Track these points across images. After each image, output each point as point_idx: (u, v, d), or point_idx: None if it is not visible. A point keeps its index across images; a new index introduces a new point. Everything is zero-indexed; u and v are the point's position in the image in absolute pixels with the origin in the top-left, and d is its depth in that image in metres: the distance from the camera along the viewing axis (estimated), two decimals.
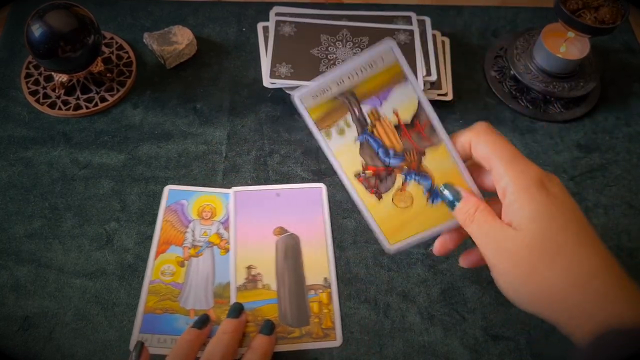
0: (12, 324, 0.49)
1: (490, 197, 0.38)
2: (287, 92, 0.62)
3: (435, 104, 0.62)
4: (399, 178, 0.39)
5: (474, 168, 0.39)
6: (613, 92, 0.66)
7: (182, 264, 0.52)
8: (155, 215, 0.55)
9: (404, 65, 0.36)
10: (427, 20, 0.66)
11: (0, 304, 0.49)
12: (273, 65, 0.61)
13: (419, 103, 0.37)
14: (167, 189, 0.56)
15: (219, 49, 0.67)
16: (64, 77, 0.60)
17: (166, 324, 0.49)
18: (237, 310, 0.48)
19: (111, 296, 0.50)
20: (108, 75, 0.62)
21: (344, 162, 0.39)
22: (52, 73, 0.61)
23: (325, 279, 0.52)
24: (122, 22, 0.68)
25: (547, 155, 0.61)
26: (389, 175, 0.39)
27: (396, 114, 0.37)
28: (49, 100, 0.61)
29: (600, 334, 0.32)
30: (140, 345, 0.44)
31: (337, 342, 0.49)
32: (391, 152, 0.38)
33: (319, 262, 0.53)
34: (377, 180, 0.39)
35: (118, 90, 0.62)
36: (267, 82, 0.60)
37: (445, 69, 0.64)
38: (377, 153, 0.38)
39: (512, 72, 0.65)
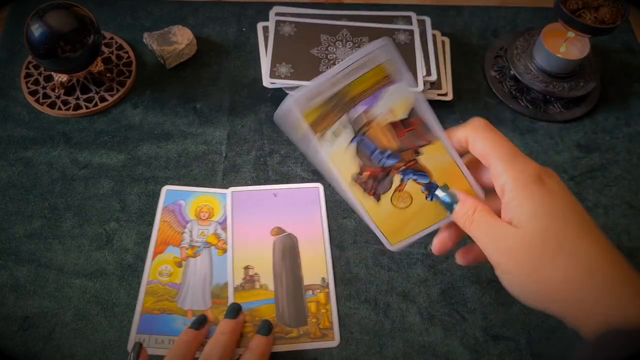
0: (12, 324, 0.49)
1: (487, 191, 0.38)
2: (287, 92, 0.62)
3: (435, 104, 0.62)
4: (397, 178, 0.39)
5: (471, 164, 0.39)
6: (613, 92, 0.66)
7: (179, 265, 0.52)
8: (155, 216, 0.55)
9: (398, 63, 0.36)
10: (427, 20, 0.66)
11: (0, 304, 0.49)
12: (273, 65, 0.61)
13: (414, 101, 0.37)
14: (165, 189, 0.56)
15: (219, 49, 0.67)
16: (63, 77, 0.60)
17: (164, 324, 0.49)
18: (235, 311, 0.48)
19: (111, 296, 0.50)
20: (108, 75, 0.62)
21: (341, 166, 0.38)
22: (52, 73, 0.61)
23: (323, 279, 0.52)
24: (122, 22, 0.68)
25: (547, 155, 0.61)
26: (386, 176, 0.39)
27: (391, 113, 0.37)
28: (49, 100, 0.61)
29: (601, 334, 0.32)
30: (139, 346, 0.44)
31: (335, 342, 0.49)
32: (387, 152, 0.38)
33: (317, 262, 0.53)
34: (375, 182, 0.39)
35: (118, 90, 0.62)
36: (267, 82, 0.60)
37: (445, 69, 0.64)
38: (373, 154, 0.38)
39: (512, 72, 0.65)
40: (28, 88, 0.61)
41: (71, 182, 0.56)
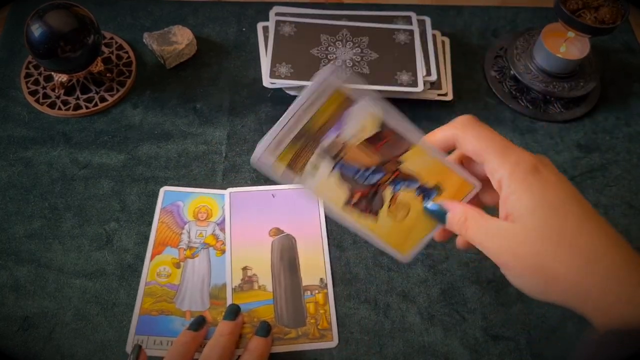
0: (12, 324, 0.49)
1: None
2: (287, 92, 0.62)
3: (435, 104, 0.62)
4: (387, 191, 0.39)
5: (460, 161, 0.39)
6: (613, 92, 0.66)
7: (177, 266, 0.52)
8: (154, 216, 0.55)
9: (348, 89, 0.36)
10: (427, 20, 0.66)
11: (0, 304, 0.49)
12: (273, 65, 0.61)
13: (382, 113, 0.37)
14: (163, 190, 0.56)
15: (219, 49, 0.67)
16: (63, 77, 0.60)
17: (162, 325, 0.49)
18: (234, 312, 0.48)
19: (111, 296, 0.50)
20: (108, 75, 0.62)
21: (330, 195, 0.38)
22: (52, 73, 0.61)
23: (322, 279, 0.52)
24: (122, 22, 0.68)
25: (547, 155, 0.60)
26: (376, 193, 0.39)
27: (362, 131, 0.37)
28: (49, 100, 0.61)
29: (602, 334, 0.32)
30: (138, 348, 0.44)
31: (334, 342, 0.49)
32: (370, 169, 0.38)
33: (315, 263, 0.53)
34: (367, 201, 0.39)
35: (118, 90, 0.62)
36: (267, 82, 0.60)
37: (445, 69, 0.64)
38: (357, 175, 0.38)
39: (512, 72, 0.65)
40: (28, 88, 0.61)
41: (71, 182, 0.56)
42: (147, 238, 0.53)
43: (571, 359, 0.34)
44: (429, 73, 0.61)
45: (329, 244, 0.54)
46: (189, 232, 0.54)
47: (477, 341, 0.49)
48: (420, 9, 0.67)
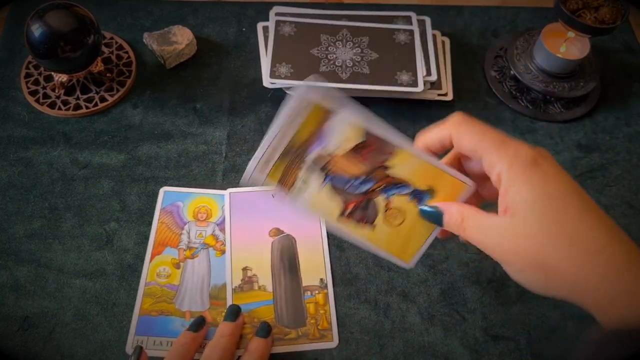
0: (12, 324, 0.49)
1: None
2: (287, 92, 0.62)
3: (435, 104, 0.62)
4: (380, 199, 0.39)
5: (457, 159, 0.38)
6: (613, 92, 0.66)
7: (177, 266, 0.52)
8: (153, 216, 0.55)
9: (326, 102, 0.36)
10: (427, 20, 0.66)
11: (0, 304, 0.49)
12: (273, 65, 0.61)
13: (364, 122, 0.37)
14: (163, 190, 0.56)
15: (219, 49, 0.67)
16: (63, 77, 0.60)
17: (162, 326, 0.49)
18: (234, 313, 0.48)
19: (111, 296, 0.50)
20: (108, 75, 0.62)
21: (324, 209, 0.38)
22: (52, 73, 0.61)
23: (322, 279, 0.52)
24: (122, 22, 0.68)
25: None
26: (369, 202, 0.38)
27: (346, 141, 0.37)
28: (49, 100, 0.61)
29: (604, 334, 0.31)
30: (139, 349, 0.44)
31: (334, 343, 0.49)
32: (359, 179, 0.38)
33: (315, 263, 0.53)
34: (362, 211, 0.39)
35: (118, 90, 0.62)
36: (267, 82, 0.60)
37: (445, 69, 0.64)
38: (347, 186, 0.38)
39: (512, 72, 0.65)
40: (28, 88, 0.61)
41: (71, 182, 0.56)
42: (147, 238, 0.53)
43: (571, 359, 0.34)
44: (429, 73, 0.61)
45: (329, 244, 0.54)
46: (188, 233, 0.54)
47: (477, 341, 0.49)
48: (420, 9, 0.67)
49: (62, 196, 0.55)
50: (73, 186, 0.56)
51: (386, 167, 0.38)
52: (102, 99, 0.61)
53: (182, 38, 0.64)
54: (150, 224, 0.54)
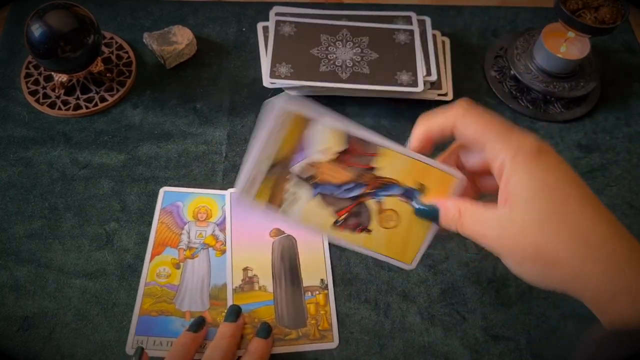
0: (12, 324, 0.49)
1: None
2: (287, 92, 0.62)
3: (435, 104, 0.62)
4: (372, 203, 0.38)
5: (451, 155, 0.38)
6: (613, 92, 0.66)
7: (177, 266, 0.52)
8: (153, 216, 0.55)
9: (303, 110, 0.36)
10: (427, 20, 0.66)
11: (0, 304, 0.49)
12: (273, 65, 0.61)
13: (343, 128, 0.36)
14: (163, 190, 0.56)
15: (219, 49, 0.67)
16: (63, 77, 0.60)
17: (162, 326, 0.49)
18: (235, 313, 0.48)
19: (111, 296, 0.50)
20: (108, 75, 0.62)
21: (317, 221, 0.38)
22: (52, 73, 0.61)
23: (322, 280, 0.52)
24: (122, 22, 0.68)
25: None
26: (361, 207, 0.38)
27: (329, 149, 0.37)
28: (49, 100, 0.61)
29: (605, 334, 0.31)
30: (140, 350, 0.44)
31: (334, 343, 0.49)
32: (347, 186, 0.38)
33: (316, 264, 0.53)
34: (355, 218, 0.38)
35: (118, 90, 0.62)
36: (267, 82, 0.60)
37: (445, 69, 0.64)
38: (337, 194, 0.38)
39: (512, 72, 0.65)
40: (28, 88, 0.61)
41: (71, 182, 0.56)
42: (147, 238, 0.53)
43: (571, 359, 0.34)
44: (429, 73, 0.61)
45: (329, 244, 0.54)
46: (188, 233, 0.54)
47: (477, 341, 0.49)
48: (420, 9, 0.67)
49: (62, 196, 0.55)
50: (73, 186, 0.56)
51: (373, 169, 0.37)
52: (102, 99, 0.61)
53: (182, 38, 0.64)
54: (150, 224, 0.54)
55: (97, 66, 0.61)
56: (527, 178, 0.33)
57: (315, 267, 0.52)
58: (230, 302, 0.50)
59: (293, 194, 0.37)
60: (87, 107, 0.61)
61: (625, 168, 0.60)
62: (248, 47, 0.67)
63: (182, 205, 0.55)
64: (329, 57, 0.62)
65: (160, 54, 0.63)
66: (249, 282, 0.51)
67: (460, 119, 0.35)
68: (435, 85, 0.62)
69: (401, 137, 0.40)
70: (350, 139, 0.37)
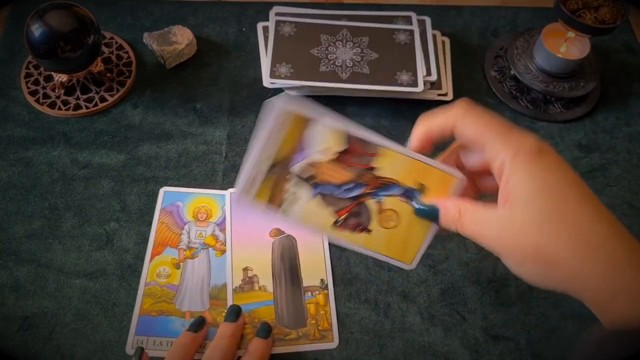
0: (12, 324, 0.49)
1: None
2: (287, 92, 0.62)
3: (435, 104, 0.62)
4: (372, 203, 0.38)
5: (456, 153, 0.38)
6: (613, 92, 0.66)
7: (177, 266, 0.52)
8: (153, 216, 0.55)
9: (303, 110, 0.36)
10: (427, 20, 0.66)
11: (0, 304, 0.49)
12: (273, 65, 0.61)
13: (343, 128, 0.36)
14: (163, 190, 0.56)
15: (219, 49, 0.67)
16: (63, 77, 0.60)
17: (162, 326, 0.49)
18: (235, 313, 0.48)
19: (111, 296, 0.50)
20: (108, 75, 0.62)
21: (317, 221, 0.38)
22: (52, 73, 0.61)
23: (322, 280, 0.52)
24: (122, 22, 0.68)
25: None
26: (361, 207, 0.38)
27: (325, 152, 0.37)
28: (49, 100, 0.61)
29: (605, 334, 0.31)
30: (141, 350, 0.44)
31: (334, 343, 0.49)
32: (346, 186, 0.38)
33: (316, 264, 0.53)
34: (355, 218, 0.38)
35: (118, 90, 0.62)
36: (267, 82, 0.60)
37: (445, 69, 0.64)
38: (337, 194, 0.38)
39: (512, 72, 0.65)
40: (28, 88, 0.61)
41: (71, 182, 0.56)
42: (147, 238, 0.53)
43: (571, 359, 0.34)
44: (429, 73, 0.61)
45: (329, 244, 0.54)
46: (188, 233, 0.54)
47: (477, 341, 0.49)
48: (420, 9, 0.67)
49: (62, 196, 0.55)
50: (73, 186, 0.56)
51: (373, 169, 0.37)
52: (102, 99, 0.61)
53: (182, 38, 0.64)
54: (150, 224, 0.54)
55: (97, 66, 0.61)
56: (527, 178, 0.32)
57: (316, 267, 0.52)
58: (230, 302, 0.50)
59: (293, 194, 0.37)
60: (87, 107, 0.61)
61: (625, 168, 0.60)
62: (248, 47, 0.67)
63: (182, 205, 0.55)
64: (329, 57, 0.62)
65: (160, 54, 0.63)
66: (249, 282, 0.51)
67: (460, 118, 0.35)
68: (435, 85, 0.62)
69: (401, 137, 0.40)
70: (350, 139, 0.37)
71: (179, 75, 0.64)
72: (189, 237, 0.54)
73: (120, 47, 0.65)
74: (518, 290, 0.52)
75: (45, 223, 0.54)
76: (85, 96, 0.61)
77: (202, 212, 0.55)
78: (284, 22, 0.64)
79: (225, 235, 0.54)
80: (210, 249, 0.53)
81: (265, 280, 0.51)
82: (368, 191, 0.38)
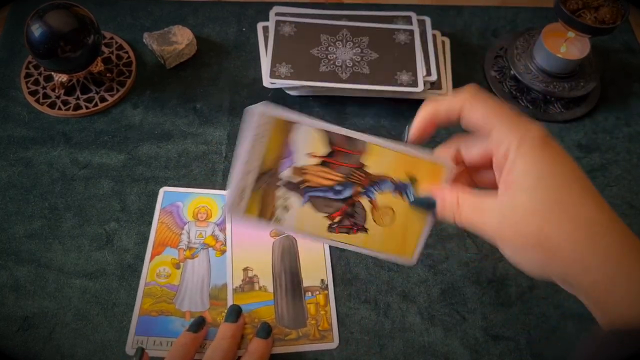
0: (12, 324, 0.49)
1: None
2: (287, 92, 0.62)
3: None
4: (365, 201, 0.38)
5: (451, 146, 0.38)
6: (613, 92, 0.66)
7: (177, 266, 0.52)
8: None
9: (284, 115, 0.35)
10: (427, 20, 0.66)
11: (0, 304, 0.49)
12: (273, 65, 0.61)
13: (324, 130, 0.36)
14: (162, 190, 0.56)
15: (219, 49, 0.67)
16: (63, 77, 0.60)
17: (162, 326, 0.49)
18: (235, 313, 0.48)
19: (111, 296, 0.50)
20: (108, 75, 0.62)
21: (311, 228, 0.38)
22: (52, 73, 0.61)
23: (322, 280, 0.52)
24: (122, 22, 0.68)
25: None
26: (354, 207, 0.38)
27: (312, 155, 0.36)
28: (49, 100, 0.61)
29: (604, 333, 0.31)
30: (141, 351, 0.44)
31: (334, 344, 0.49)
32: (337, 187, 0.37)
33: (316, 264, 0.53)
34: (350, 219, 0.38)
35: (118, 90, 0.62)
36: (267, 82, 0.60)
37: (445, 69, 0.64)
38: (328, 197, 0.37)
39: (512, 72, 0.65)
40: (28, 88, 0.61)
41: (71, 182, 0.56)
42: (147, 238, 0.53)
43: (571, 359, 0.34)
44: (429, 73, 0.61)
45: (329, 245, 0.54)
46: (188, 233, 0.54)
47: (477, 341, 0.49)
48: (420, 9, 0.67)
49: (62, 196, 0.55)
50: (73, 186, 0.56)
51: (362, 166, 0.37)
52: (102, 99, 0.61)
53: (182, 38, 0.64)
54: (150, 224, 0.54)
55: (97, 66, 0.61)
56: (532, 165, 0.32)
57: (316, 267, 0.52)
58: (230, 302, 0.50)
59: (285, 202, 0.37)
60: (87, 107, 0.61)
61: (625, 168, 0.60)
62: (248, 47, 0.67)
63: (182, 205, 0.55)
64: (329, 57, 0.62)
65: (160, 54, 0.63)
66: (249, 282, 0.51)
67: (468, 102, 0.35)
68: (435, 85, 0.62)
69: (401, 137, 0.40)
70: (335, 139, 0.36)
71: (179, 75, 0.64)
72: (188, 237, 0.54)
73: (120, 47, 0.65)
74: (518, 290, 0.52)
75: (45, 223, 0.54)
76: (85, 96, 0.61)
77: (202, 212, 0.55)
78: (284, 22, 0.64)
79: (225, 235, 0.54)
80: (210, 249, 0.53)
81: (266, 280, 0.51)
82: (360, 190, 0.38)
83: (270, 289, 0.51)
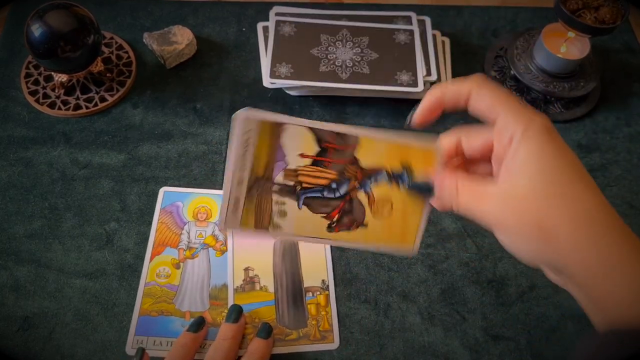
0: (12, 324, 0.49)
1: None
2: (287, 92, 0.62)
3: None
4: (361, 195, 0.38)
5: (451, 139, 0.38)
6: (613, 92, 0.66)
7: (177, 266, 0.52)
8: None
9: (270, 117, 0.35)
10: (427, 20, 0.66)
11: (0, 304, 0.49)
12: (273, 65, 0.61)
13: (312, 129, 0.36)
14: (162, 190, 0.56)
15: (219, 49, 0.67)
16: (63, 77, 0.60)
17: (162, 326, 0.49)
18: (236, 313, 0.48)
19: (111, 296, 0.50)
20: (108, 75, 0.62)
21: (310, 230, 0.37)
22: (52, 73, 0.61)
23: (323, 281, 0.52)
24: (122, 22, 0.68)
25: None
26: (351, 203, 0.38)
27: (303, 155, 0.36)
28: (49, 100, 0.61)
29: (603, 332, 0.31)
30: (141, 351, 0.44)
31: (335, 344, 0.49)
32: (333, 185, 0.37)
33: (317, 264, 0.53)
34: (348, 216, 0.38)
35: (118, 90, 0.62)
36: (267, 82, 0.60)
37: (445, 69, 0.64)
38: (325, 196, 0.37)
39: (512, 72, 0.65)
40: (28, 88, 0.61)
41: (71, 182, 0.56)
42: (147, 238, 0.53)
43: (571, 359, 0.34)
44: (429, 73, 0.61)
45: (330, 245, 0.54)
46: (188, 233, 0.54)
47: (477, 341, 0.49)
48: (420, 9, 0.67)
49: (62, 196, 0.55)
50: (73, 186, 0.56)
51: (355, 161, 0.37)
52: (102, 99, 0.61)
53: (182, 38, 0.64)
54: (150, 224, 0.54)
55: (97, 66, 0.61)
56: (535, 153, 0.33)
57: (317, 267, 0.52)
58: (231, 302, 0.50)
59: (281, 207, 0.37)
60: (87, 107, 0.61)
61: (625, 168, 0.60)
62: (248, 47, 0.67)
63: (182, 205, 0.55)
64: (329, 57, 0.62)
65: (160, 54, 0.63)
66: (250, 282, 0.51)
67: (476, 89, 0.35)
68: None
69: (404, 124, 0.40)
70: (325, 136, 0.36)
71: (179, 75, 0.64)
72: (188, 237, 0.54)
73: (120, 47, 0.65)
74: (518, 290, 0.52)
75: (45, 223, 0.54)
76: (85, 96, 0.61)
77: (202, 212, 0.55)
78: (284, 22, 0.64)
79: (225, 235, 0.54)
80: (210, 249, 0.53)
81: (267, 280, 0.51)
82: (355, 185, 0.37)
83: (271, 289, 0.51)
